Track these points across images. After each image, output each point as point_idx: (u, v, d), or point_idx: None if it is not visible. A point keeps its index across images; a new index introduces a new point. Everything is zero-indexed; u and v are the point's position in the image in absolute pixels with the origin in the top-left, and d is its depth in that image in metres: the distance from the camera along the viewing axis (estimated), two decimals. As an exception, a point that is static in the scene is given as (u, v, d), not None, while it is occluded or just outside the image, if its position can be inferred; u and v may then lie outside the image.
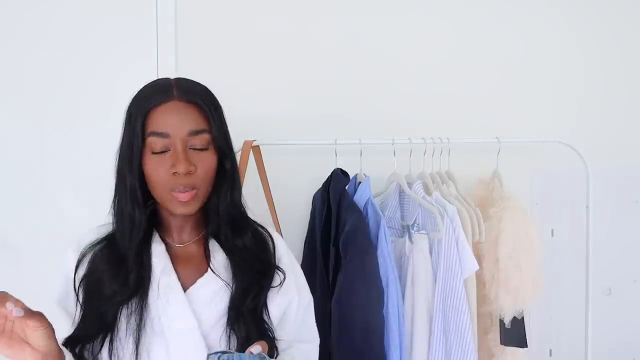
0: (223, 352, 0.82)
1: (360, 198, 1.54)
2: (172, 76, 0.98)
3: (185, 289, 0.95)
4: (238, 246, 0.99)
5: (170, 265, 0.96)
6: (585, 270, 1.80)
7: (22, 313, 0.74)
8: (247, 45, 1.75)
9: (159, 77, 1.01)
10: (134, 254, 0.94)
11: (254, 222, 1.05)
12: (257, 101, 1.72)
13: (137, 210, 0.94)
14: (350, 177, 1.60)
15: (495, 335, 1.61)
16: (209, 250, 0.98)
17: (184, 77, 0.98)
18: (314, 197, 1.63)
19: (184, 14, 1.72)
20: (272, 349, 0.94)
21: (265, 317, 0.96)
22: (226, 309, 0.94)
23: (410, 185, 1.61)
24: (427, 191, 1.60)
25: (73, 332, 0.92)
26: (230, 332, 0.93)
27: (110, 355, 0.90)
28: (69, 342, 0.90)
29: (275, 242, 1.05)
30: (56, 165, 1.68)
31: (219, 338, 0.93)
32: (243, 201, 1.02)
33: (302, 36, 1.78)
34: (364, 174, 1.59)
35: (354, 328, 1.42)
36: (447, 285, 1.49)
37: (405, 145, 1.63)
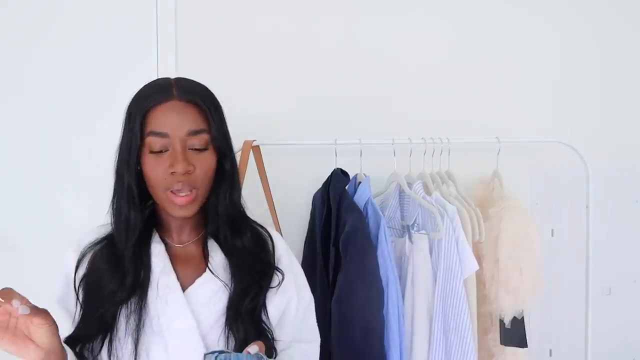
0: (220, 352, 0.82)
1: (360, 198, 1.54)
2: (172, 76, 0.98)
3: (184, 289, 0.95)
4: (237, 246, 0.98)
5: (170, 265, 0.96)
6: (585, 270, 1.80)
7: (28, 311, 0.74)
8: (247, 45, 1.75)
9: (159, 77, 1.01)
10: (130, 254, 0.94)
11: (254, 222, 1.05)
12: (257, 101, 1.72)
13: (133, 210, 0.94)
14: (350, 177, 1.60)
15: (495, 335, 1.61)
16: (207, 251, 0.98)
17: (184, 77, 0.98)
18: (314, 197, 1.63)
19: (184, 14, 1.72)
20: (271, 350, 0.94)
21: (264, 318, 0.96)
22: (225, 309, 0.94)
23: (410, 185, 1.61)
24: (427, 191, 1.60)
25: (73, 332, 0.92)
26: (228, 332, 0.93)
27: (109, 355, 0.90)
28: (69, 342, 0.90)
29: (275, 241, 1.05)
30: (56, 165, 1.68)
31: (217, 338, 0.93)
32: (243, 201, 1.02)
33: (302, 36, 1.78)
34: (364, 174, 1.59)
35: (354, 328, 1.42)
36: (447, 285, 1.49)
37: (405, 145, 1.63)
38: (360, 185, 1.56)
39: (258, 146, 1.60)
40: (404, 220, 1.64)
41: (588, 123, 1.95)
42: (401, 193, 1.65)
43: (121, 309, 0.91)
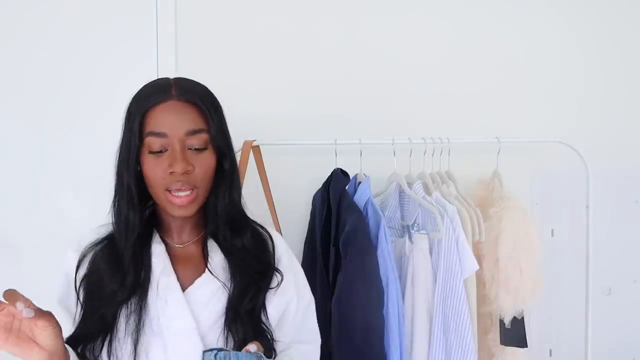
0: (219, 350, 0.81)
1: (360, 198, 1.54)
2: (172, 76, 0.98)
3: (184, 289, 0.94)
4: (237, 246, 0.98)
5: (170, 265, 0.96)
6: (585, 270, 1.80)
7: (32, 314, 0.74)
8: (247, 45, 1.75)
9: (159, 77, 1.01)
10: (130, 254, 0.94)
11: (254, 222, 1.05)
12: (257, 101, 1.72)
13: (132, 210, 0.94)
14: (350, 177, 1.60)
15: (495, 335, 1.61)
16: (207, 251, 0.98)
17: (184, 77, 0.98)
18: (314, 197, 1.63)
19: (184, 14, 1.72)
20: (270, 350, 0.94)
21: (263, 318, 0.96)
22: (224, 309, 0.94)
23: (410, 185, 1.61)
24: (427, 191, 1.60)
25: (74, 332, 0.92)
26: (227, 333, 0.92)
27: (108, 356, 0.90)
28: (70, 342, 0.90)
29: (275, 241, 1.04)
30: (56, 165, 1.68)
31: (217, 339, 0.93)
32: (243, 201, 1.02)
33: (302, 36, 1.78)
34: (364, 174, 1.59)
35: (354, 328, 1.42)
36: (447, 285, 1.49)
37: (405, 145, 1.63)
38: (360, 185, 1.56)
39: (258, 146, 1.60)
40: (404, 220, 1.64)
41: (588, 123, 1.95)
42: (401, 193, 1.65)
43: (121, 309, 0.91)
